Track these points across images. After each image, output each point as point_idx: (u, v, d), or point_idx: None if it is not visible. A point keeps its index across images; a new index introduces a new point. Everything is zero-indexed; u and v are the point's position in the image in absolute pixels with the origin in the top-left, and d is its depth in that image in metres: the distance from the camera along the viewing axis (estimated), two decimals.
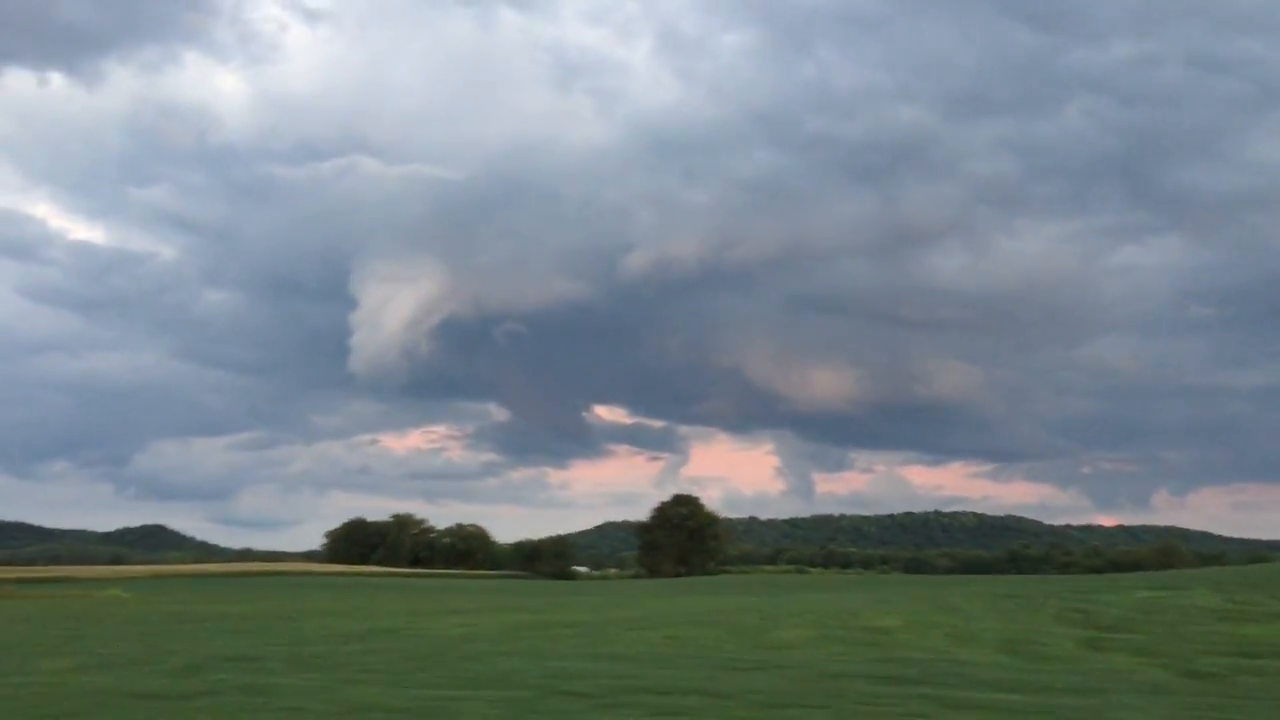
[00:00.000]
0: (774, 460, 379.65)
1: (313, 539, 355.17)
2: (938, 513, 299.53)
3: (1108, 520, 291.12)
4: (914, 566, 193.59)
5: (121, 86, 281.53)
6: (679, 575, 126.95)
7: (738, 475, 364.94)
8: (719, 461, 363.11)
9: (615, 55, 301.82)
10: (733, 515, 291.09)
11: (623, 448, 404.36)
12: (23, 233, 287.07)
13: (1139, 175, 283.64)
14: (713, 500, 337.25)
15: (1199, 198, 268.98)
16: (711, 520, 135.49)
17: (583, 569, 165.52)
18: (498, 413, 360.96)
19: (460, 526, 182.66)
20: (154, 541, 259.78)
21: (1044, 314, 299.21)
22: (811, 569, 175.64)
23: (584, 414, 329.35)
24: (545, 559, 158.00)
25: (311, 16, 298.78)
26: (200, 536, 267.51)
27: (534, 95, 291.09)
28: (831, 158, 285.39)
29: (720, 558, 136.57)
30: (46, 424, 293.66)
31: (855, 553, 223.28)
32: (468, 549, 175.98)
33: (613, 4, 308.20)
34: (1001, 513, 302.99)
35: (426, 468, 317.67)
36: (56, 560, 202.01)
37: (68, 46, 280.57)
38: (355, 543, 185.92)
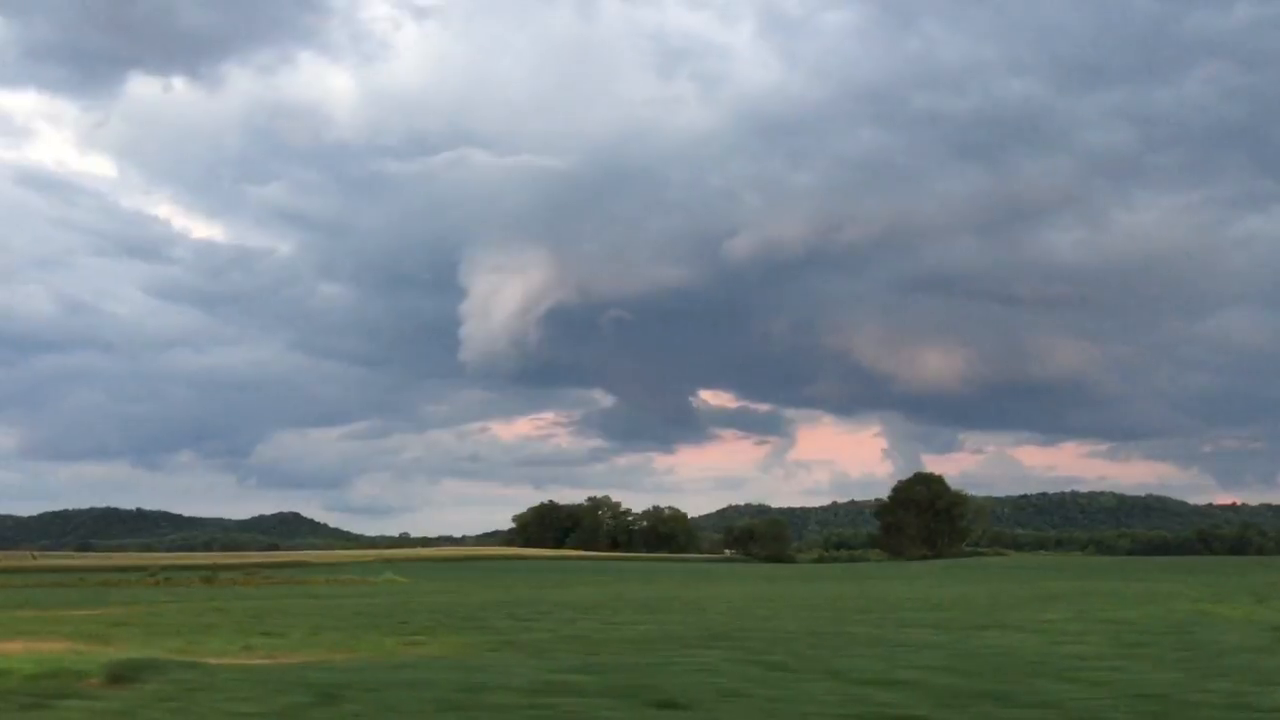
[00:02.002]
0: (881, 442, 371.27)
1: (425, 524, 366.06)
2: (1074, 493, 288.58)
3: (1227, 499, 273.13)
4: (1100, 549, 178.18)
5: (239, 88, 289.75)
6: (925, 557, 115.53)
7: (845, 458, 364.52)
8: (826, 444, 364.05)
9: (718, 38, 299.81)
10: (840, 499, 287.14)
11: (729, 432, 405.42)
12: (148, 233, 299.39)
13: (1263, 142, 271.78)
14: (820, 483, 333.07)
15: None
16: (959, 499, 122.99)
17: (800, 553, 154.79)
18: (604, 399, 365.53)
19: (657, 509, 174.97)
20: (289, 528, 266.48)
21: (1164, 288, 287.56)
22: (1039, 552, 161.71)
23: (690, 398, 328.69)
24: (761, 541, 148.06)
25: (421, 13, 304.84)
26: (330, 524, 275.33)
27: (638, 82, 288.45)
28: (939, 134, 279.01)
29: (970, 539, 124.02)
30: (172, 417, 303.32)
31: (1026, 535, 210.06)
32: (669, 532, 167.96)
33: None
34: (1129, 492, 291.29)
35: (535, 454, 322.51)
36: (208, 547, 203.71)
37: (189, 52, 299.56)
38: (548, 526, 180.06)
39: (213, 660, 13.07)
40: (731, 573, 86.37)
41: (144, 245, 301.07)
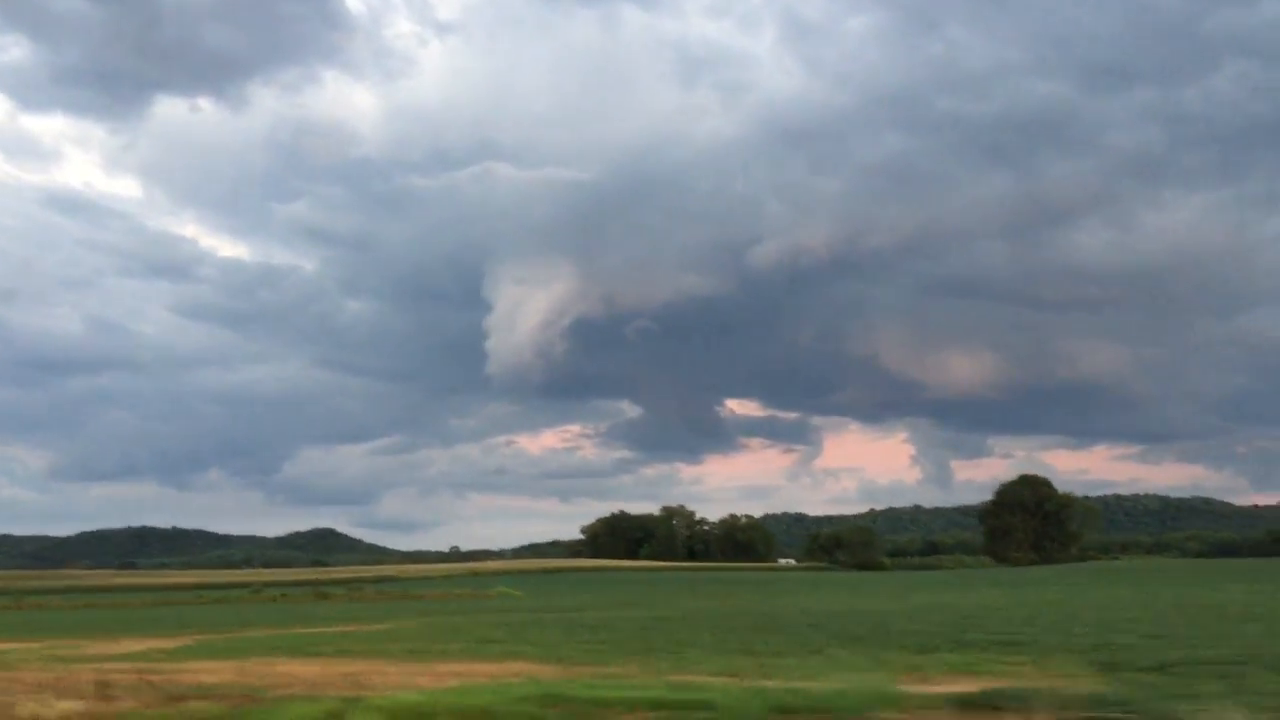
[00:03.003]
0: (909, 449, 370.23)
1: (451, 539, 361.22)
2: (1117, 496, 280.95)
3: (1262, 499, 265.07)
4: (1157, 550, 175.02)
5: (265, 107, 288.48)
6: (1033, 563, 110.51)
7: (872, 465, 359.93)
8: (853, 451, 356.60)
9: (739, 47, 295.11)
10: (876, 506, 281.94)
11: (756, 440, 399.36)
12: (175, 253, 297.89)
13: None
14: (848, 491, 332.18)
15: None
16: (1067, 502, 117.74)
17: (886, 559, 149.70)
18: (630, 410, 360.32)
19: (734, 518, 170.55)
20: (324, 545, 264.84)
21: (1195, 288, 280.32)
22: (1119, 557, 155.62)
23: (716, 408, 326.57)
24: (849, 549, 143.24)
25: (443, 29, 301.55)
26: (366, 540, 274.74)
27: (660, 92, 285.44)
28: (964, 138, 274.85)
29: (1082, 543, 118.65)
30: (200, 435, 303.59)
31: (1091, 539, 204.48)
32: (747, 540, 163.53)
33: None
34: (1163, 494, 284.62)
35: (561, 466, 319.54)
36: (249, 563, 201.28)
37: (215, 72, 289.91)
38: (620, 537, 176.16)
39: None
40: (865, 582, 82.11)
41: (171, 265, 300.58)
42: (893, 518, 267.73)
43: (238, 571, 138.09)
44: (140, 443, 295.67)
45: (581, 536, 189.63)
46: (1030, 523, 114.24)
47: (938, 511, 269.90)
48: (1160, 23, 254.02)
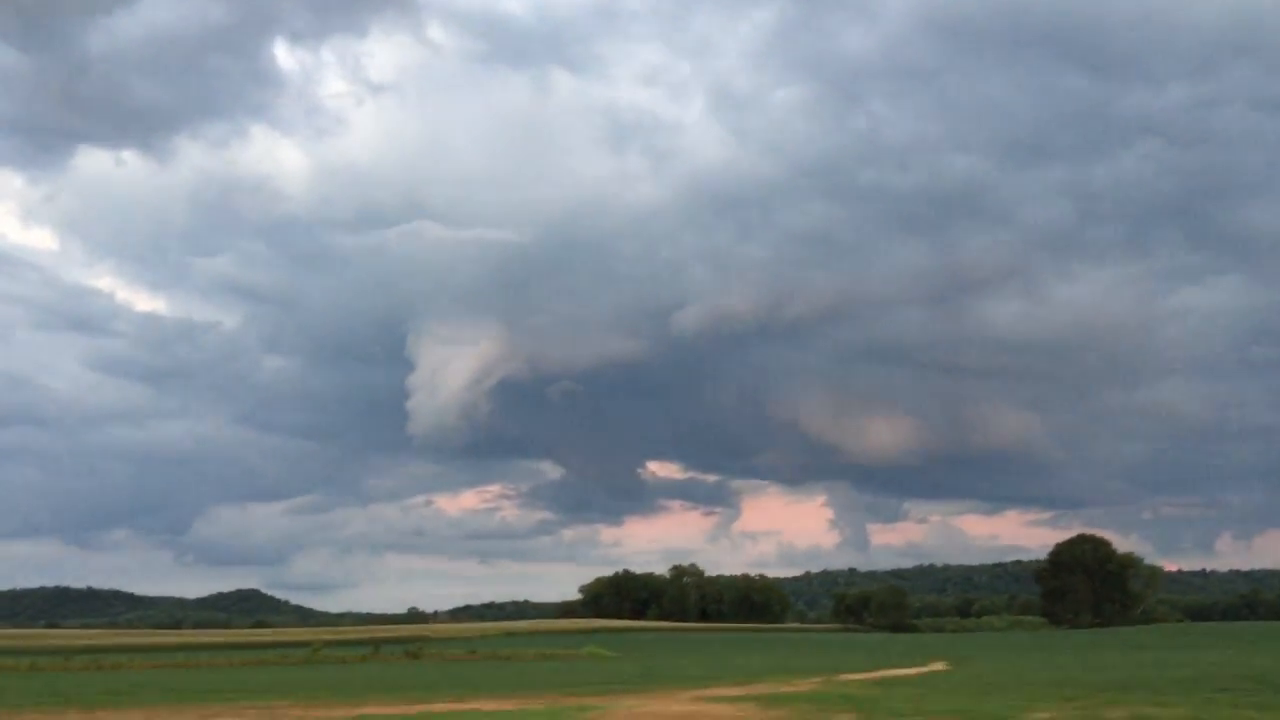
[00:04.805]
0: (828, 512, 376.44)
1: (374, 602, 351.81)
2: (1034, 560, 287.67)
3: (1170, 565, 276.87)
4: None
5: (190, 162, 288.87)
6: (1093, 625, 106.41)
7: (791, 528, 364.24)
8: (772, 515, 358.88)
9: (668, 115, 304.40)
10: (793, 571, 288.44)
11: (676, 503, 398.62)
12: (91, 307, 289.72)
13: (1198, 217, 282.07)
14: (766, 555, 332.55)
15: (1259, 237, 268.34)
16: (1129, 562, 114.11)
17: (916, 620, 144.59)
18: (552, 471, 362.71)
19: (746, 577, 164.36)
20: (249, 606, 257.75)
21: (1103, 358, 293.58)
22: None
23: (638, 470, 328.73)
24: (878, 611, 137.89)
25: (375, 89, 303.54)
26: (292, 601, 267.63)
27: (590, 156, 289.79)
28: (885, 208, 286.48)
29: (1144, 605, 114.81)
30: (109, 492, 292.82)
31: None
32: (763, 601, 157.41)
33: (665, 65, 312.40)
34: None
35: (481, 527, 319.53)
36: (178, 625, 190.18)
37: (141, 125, 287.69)
38: (624, 596, 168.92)
39: None
40: (909, 645, 77.38)
41: (85, 319, 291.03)
42: (828, 580, 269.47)
43: (264, 631, 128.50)
44: (45, 500, 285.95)
45: (579, 596, 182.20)
46: (1090, 583, 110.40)
47: (872, 575, 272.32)
48: (1072, 104, 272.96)
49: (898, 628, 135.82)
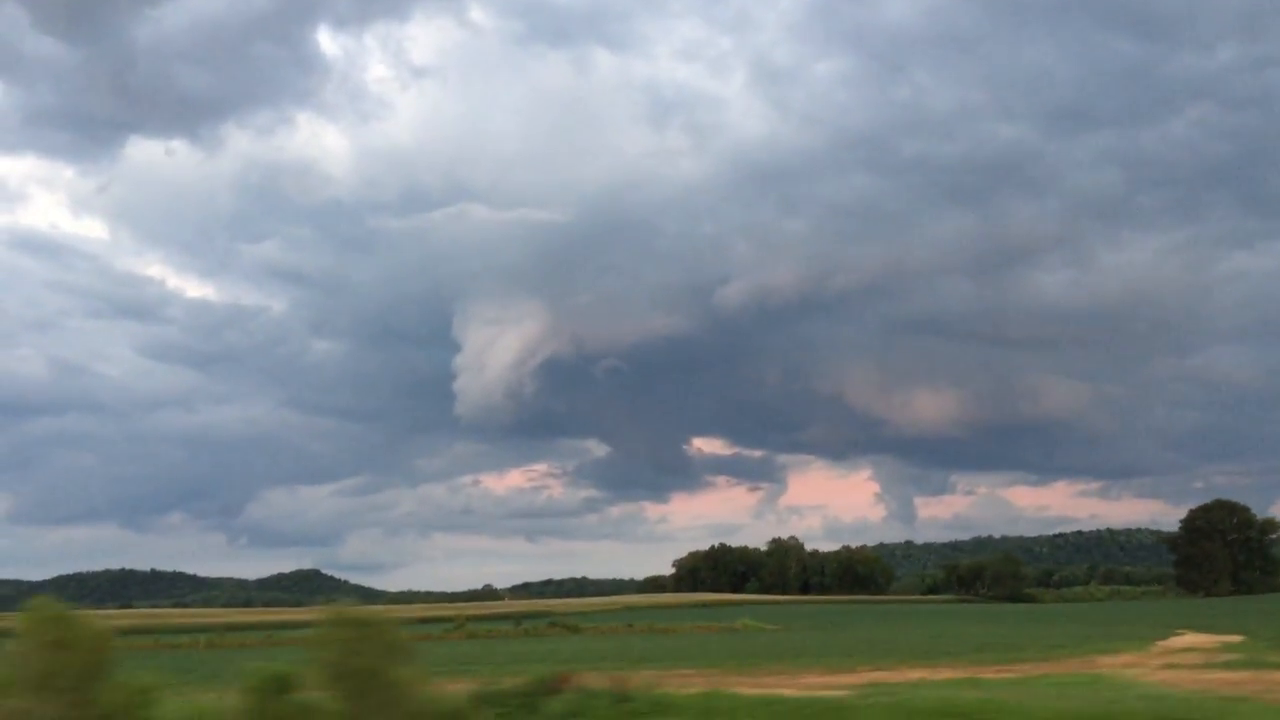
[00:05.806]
0: (873, 486, 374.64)
1: (417, 580, 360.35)
2: (1110, 530, 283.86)
3: None
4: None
5: (237, 149, 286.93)
6: (1232, 593, 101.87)
7: (836, 502, 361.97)
8: (817, 489, 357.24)
9: (709, 90, 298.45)
10: (834, 544, 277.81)
11: (721, 479, 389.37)
12: (142, 294, 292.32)
13: (1249, 181, 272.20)
14: (813, 529, 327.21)
15: None
16: (1270, 527, 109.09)
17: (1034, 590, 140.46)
18: (598, 449, 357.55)
19: (847, 549, 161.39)
20: (310, 586, 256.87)
21: (1153, 326, 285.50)
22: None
23: (683, 447, 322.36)
24: (993, 581, 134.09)
25: (418, 73, 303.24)
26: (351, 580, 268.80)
27: (631, 133, 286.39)
28: (930, 179, 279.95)
29: None
30: (163, 477, 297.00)
31: (1134, 570, 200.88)
32: (867, 573, 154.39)
33: (706, 39, 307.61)
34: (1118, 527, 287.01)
35: (527, 506, 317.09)
36: (248, 604, 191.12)
37: (190, 114, 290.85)
38: (722, 570, 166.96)
39: None
40: (1075, 615, 73.34)
41: (137, 306, 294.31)
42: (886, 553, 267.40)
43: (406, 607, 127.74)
44: (101, 485, 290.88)
45: (672, 570, 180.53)
46: (1229, 550, 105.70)
47: (928, 548, 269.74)
48: (1119, 68, 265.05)
49: (1015, 598, 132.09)
